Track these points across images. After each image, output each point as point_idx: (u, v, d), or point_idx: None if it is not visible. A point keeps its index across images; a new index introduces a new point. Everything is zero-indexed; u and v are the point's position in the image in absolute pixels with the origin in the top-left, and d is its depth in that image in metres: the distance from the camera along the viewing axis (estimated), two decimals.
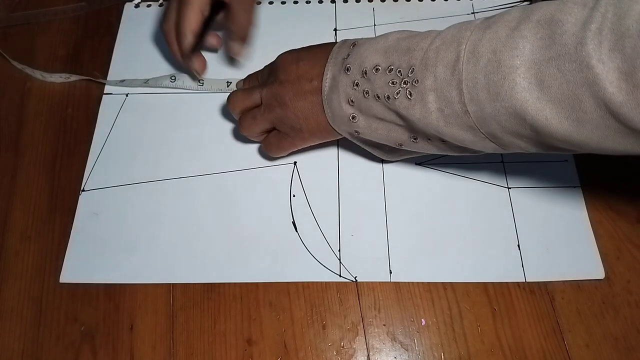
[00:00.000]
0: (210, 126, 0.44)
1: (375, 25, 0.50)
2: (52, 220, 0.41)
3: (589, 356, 0.35)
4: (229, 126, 0.44)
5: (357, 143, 0.38)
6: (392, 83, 0.32)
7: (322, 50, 0.37)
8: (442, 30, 0.31)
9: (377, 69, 0.33)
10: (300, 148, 0.40)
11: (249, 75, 0.43)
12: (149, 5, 0.51)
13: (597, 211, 0.40)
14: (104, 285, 0.38)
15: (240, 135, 0.44)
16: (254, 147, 0.43)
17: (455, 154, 0.35)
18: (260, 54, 0.48)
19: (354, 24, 0.50)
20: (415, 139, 0.34)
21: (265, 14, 0.50)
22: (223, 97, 0.46)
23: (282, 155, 0.41)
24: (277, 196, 0.41)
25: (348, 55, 0.35)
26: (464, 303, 0.37)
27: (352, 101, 0.34)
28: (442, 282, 0.38)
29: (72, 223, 0.40)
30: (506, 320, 0.37)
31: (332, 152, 0.43)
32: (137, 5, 0.51)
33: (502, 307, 0.37)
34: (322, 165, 0.42)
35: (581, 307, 0.37)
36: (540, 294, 0.37)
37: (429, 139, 0.33)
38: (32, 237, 0.40)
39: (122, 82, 0.46)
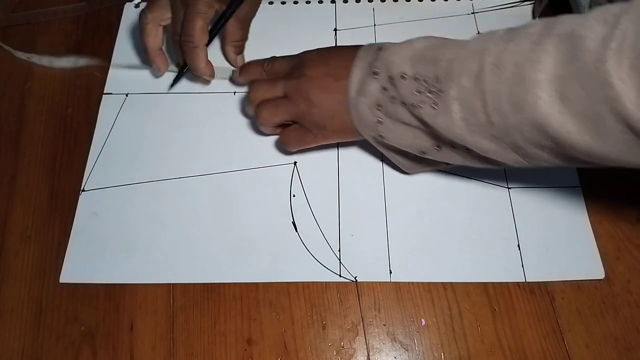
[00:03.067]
0: (210, 126, 0.44)
1: (375, 25, 0.50)
2: (52, 220, 0.41)
3: (589, 356, 0.35)
4: (229, 126, 0.44)
5: (380, 148, 0.39)
6: (418, 92, 0.32)
7: (350, 52, 0.37)
8: (468, 40, 0.32)
9: (403, 77, 0.33)
10: (320, 144, 0.40)
11: (253, 62, 0.43)
12: None
13: (597, 211, 0.40)
14: (104, 285, 0.38)
15: (240, 135, 0.44)
16: (254, 147, 0.43)
17: (479, 165, 0.35)
18: (260, 54, 0.47)
19: (354, 24, 0.50)
20: (439, 147, 0.34)
21: (265, 14, 0.50)
22: (223, 98, 0.46)
23: (299, 149, 0.41)
24: (277, 196, 0.41)
25: (374, 59, 0.35)
26: (464, 303, 0.37)
27: (379, 105, 0.35)
28: (442, 282, 0.38)
29: (72, 223, 0.40)
30: (506, 320, 0.37)
31: (332, 152, 0.43)
32: (137, 5, 0.51)
33: (502, 307, 0.37)
34: (322, 165, 0.42)
35: (581, 307, 0.37)
36: (540, 294, 0.37)
37: (453, 147, 0.34)
38: (32, 237, 0.40)
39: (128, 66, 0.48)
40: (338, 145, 0.43)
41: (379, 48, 0.36)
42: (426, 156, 0.36)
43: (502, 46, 0.29)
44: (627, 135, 0.25)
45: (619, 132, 0.25)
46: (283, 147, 0.41)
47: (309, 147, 0.40)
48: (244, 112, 0.45)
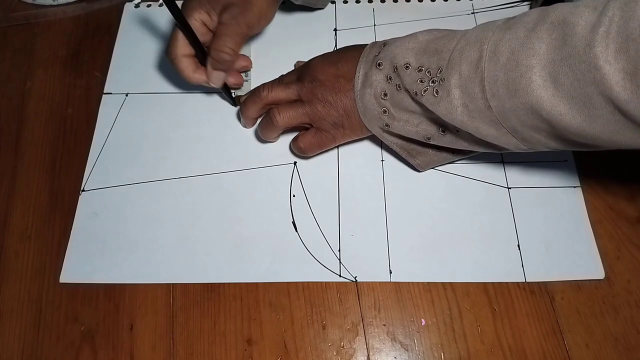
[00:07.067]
0: (210, 126, 0.44)
1: (375, 25, 0.50)
2: (52, 220, 0.41)
3: (589, 356, 0.35)
4: (229, 126, 0.44)
5: (386, 141, 0.39)
6: (421, 81, 0.34)
7: (356, 52, 0.38)
8: (468, 30, 0.33)
9: (407, 67, 0.34)
10: (337, 144, 0.41)
11: (261, 87, 0.42)
12: (149, 5, 0.51)
13: (597, 211, 0.40)
14: (104, 285, 0.38)
15: (240, 135, 0.44)
16: (254, 147, 0.43)
17: (482, 150, 0.36)
18: (260, 54, 0.48)
19: (354, 25, 0.50)
20: (443, 131, 0.36)
21: None
22: (222, 98, 0.46)
23: (318, 152, 0.41)
24: (277, 196, 0.41)
25: (379, 53, 0.36)
26: (464, 303, 0.37)
27: (385, 94, 0.36)
28: (442, 282, 0.38)
29: (72, 223, 0.40)
30: (506, 320, 0.37)
31: (332, 152, 0.43)
32: (137, 5, 0.51)
33: (502, 307, 0.37)
34: (322, 165, 0.42)
35: (581, 307, 0.37)
36: (540, 294, 0.37)
37: (457, 130, 0.35)
38: (32, 237, 0.40)
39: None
40: (338, 145, 0.43)
41: (383, 44, 0.37)
42: (431, 142, 0.37)
43: (500, 34, 0.30)
44: (615, 116, 0.26)
45: (608, 113, 0.26)
46: (300, 154, 0.41)
47: (328, 148, 0.41)
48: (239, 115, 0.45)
